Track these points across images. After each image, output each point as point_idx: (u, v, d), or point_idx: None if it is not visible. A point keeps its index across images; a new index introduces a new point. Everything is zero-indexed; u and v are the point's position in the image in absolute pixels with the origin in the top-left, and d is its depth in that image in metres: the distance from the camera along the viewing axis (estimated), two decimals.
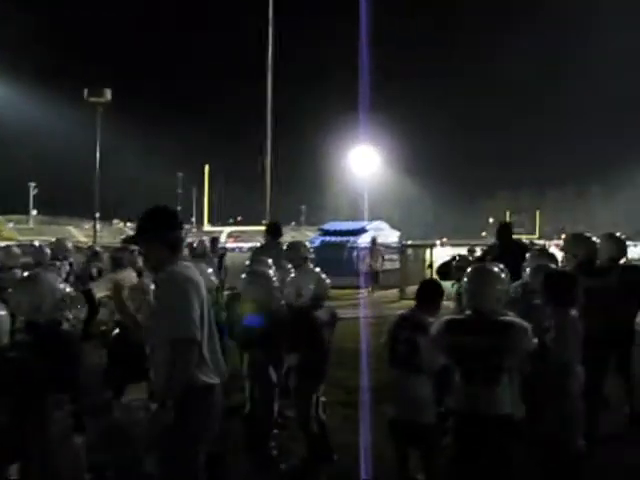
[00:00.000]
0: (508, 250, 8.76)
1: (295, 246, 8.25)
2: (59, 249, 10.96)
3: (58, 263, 10.18)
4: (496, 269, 4.93)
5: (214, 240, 18.44)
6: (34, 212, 62.69)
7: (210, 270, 7.06)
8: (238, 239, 31.30)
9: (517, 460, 4.64)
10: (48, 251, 10.38)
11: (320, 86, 70.44)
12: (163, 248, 4.21)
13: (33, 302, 4.41)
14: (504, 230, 9.72)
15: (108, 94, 41.84)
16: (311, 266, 7.23)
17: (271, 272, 6.74)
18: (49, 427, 4.15)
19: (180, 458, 4.07)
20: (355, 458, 5.74)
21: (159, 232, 4.25)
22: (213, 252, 16.08)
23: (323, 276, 6.48)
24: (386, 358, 5.51)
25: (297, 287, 6.36)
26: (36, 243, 15.73)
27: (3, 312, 4.00)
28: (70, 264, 10.76)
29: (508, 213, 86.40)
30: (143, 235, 4.34)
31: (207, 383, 4.11)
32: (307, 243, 10.00)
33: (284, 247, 8.46)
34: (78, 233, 44.95)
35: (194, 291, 4.11)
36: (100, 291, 7.39)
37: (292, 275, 6.78)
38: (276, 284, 6.50)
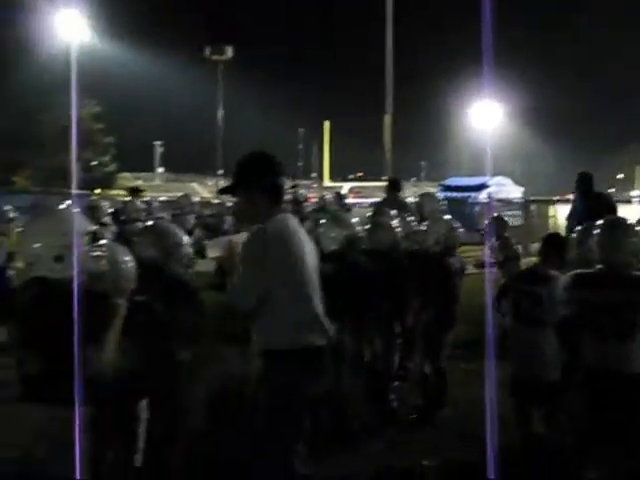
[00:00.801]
0: (591, 203, 8.23)
1: (428, 195, 8.33)
2: (185, 204, 11.27)
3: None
4: (630, 221, 4.70)
5: (340, 195, 18.66)
6: (160, 170, 64.64)
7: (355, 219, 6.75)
8: (359, 195, 31.35)
9: None
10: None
11: (442, 40, 69.04)
12: (262, 198, 3.84)
13: (160, 250, 4.49)
14: (584, 182, 9.04)
15: (229, 51, 42.34)
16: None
17: (394, 223, 6.70)
18: (176, 369, 4.23)
19: (286, 420, 3.90)
20: (475, 414, 5.65)
21: (258, 180, 3.85)
22: (341, 207, 16.15)
23: (455, 224, 6.45)
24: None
25: (431, 235, 6.32)
26: (163, 199, 16.35)
27: (129, 258, 4.08)
28: (196, 217, 11.07)
29: (638, 168, 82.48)
30: (240, 184, 3.93)
31: (313, 343, 3.90)
32: None
33: (414, 198, 8.48)
34: (202, 189, 45.96)
35: (288, 245, 3.82)
36: (214, 252, 7.51)
37: (424, 223, 6.75)
38: (400, 234, 6.47)
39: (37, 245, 3.75)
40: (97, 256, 3.89)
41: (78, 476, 3.50)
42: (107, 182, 56.96)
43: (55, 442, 3.64)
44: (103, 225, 8.31)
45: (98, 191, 44.33)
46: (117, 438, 4.05)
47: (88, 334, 3.62)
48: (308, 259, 3.95)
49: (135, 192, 11.60)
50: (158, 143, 65.03)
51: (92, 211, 9.49)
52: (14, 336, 3.73)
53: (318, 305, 3.98)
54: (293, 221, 4.00)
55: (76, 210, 4.17)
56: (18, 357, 3.72)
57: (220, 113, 40.69)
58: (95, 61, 45.60)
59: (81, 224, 3.89)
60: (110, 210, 9.94)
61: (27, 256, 3.76)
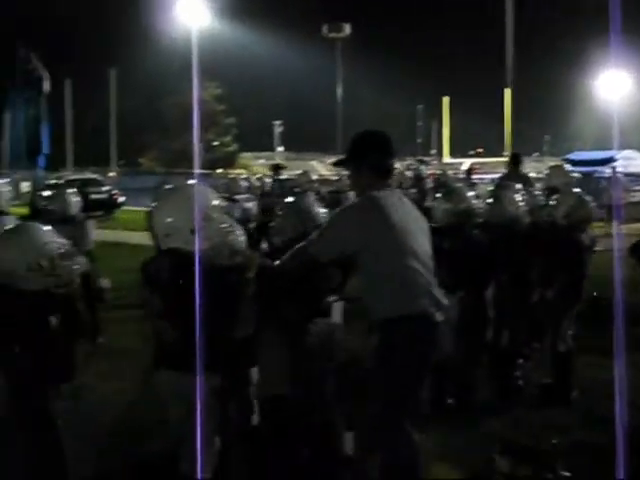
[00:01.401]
0: None
1: (558, 168, 8.14)
2: (304, 181, 11.48)
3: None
4: None
5: (469, 171, 19.00)
6: (280, 148, 65.56)
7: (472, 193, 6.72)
8: (479, 171, 30.73)
9: None
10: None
11: (565, 8, 66.45)
12: (370, 173, 4.08)
13: (295, 224, 4.65)
14: None
15: (347, 29, 42.35)
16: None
17: (518, 196, 6.56)
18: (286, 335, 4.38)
19: (399, 388, 3.99)
20: (603, 394, 5.48)
21: (367, 156, 4.10)
22: (467, 183, 16.12)
23: (587, 198, 6.25)
24: None
25: (560, 208, 6.16)
26: (283, 177, 16.87)
27: (240, 231, 4.25)
28: (316, 194, 11.22)
29: None
30: (351, 159, 4.20)
31: (422, 311, 3.99)
32: None
33: (537, 174, 8.30)
34: (321, 167, 46.35)
35: (389, 215, 3.97)
36: None
37: (553, 197, 6.59)
38: (523, 208, 6.34)
39: (171, 219, 3.87)
40: (230, 231, 4.01)
41: (200, 438, 3.63)
42: (228, 162, 58.23)
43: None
44: (234, 201, 8.63)
45: (220, 171, 45.43)
46: (237, 401, 4.22)
47: (220, 306, 3.75)
48: (413, 230, 4.08)
49: (277, 169, 12.71)
50: (277, 122, 65.89)
51: (228, 187, 10.05)
52: (151, 305, 3.88)
53: (428, 276, 4.07)
54: (398, 194, 4.24)
55: (208, 186, 4.34)
56: (156, 326, 3.87)
57: (339, 91, 40.79)
58: (216, 44, 46.59)
59: (214, 200, 4.01)
60: (244, 185, 10.69)
61: (164, 228, 3.88)
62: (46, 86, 32.94)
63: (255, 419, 4.39)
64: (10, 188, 8.25)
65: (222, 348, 3.80)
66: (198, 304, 3.54)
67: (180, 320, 3.69)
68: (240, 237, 4.23)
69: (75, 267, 3.77)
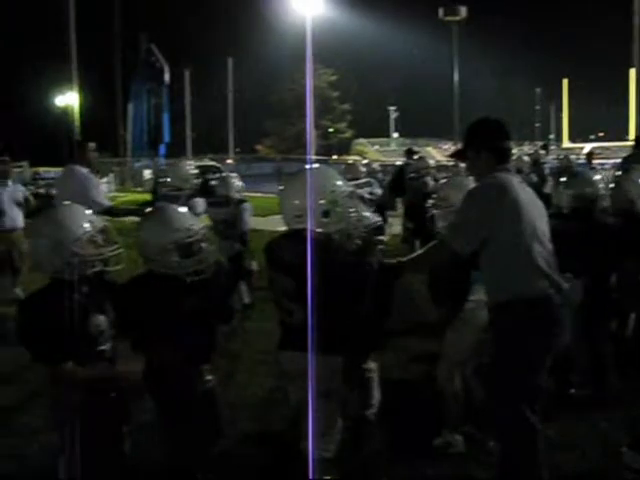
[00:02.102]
0: None
1: None
2: (420, 167, 11.35)
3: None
4: None
5: (589, 155, 18.82)
6: (395, 135, 65.37)
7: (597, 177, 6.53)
8: (599, 156, 29.53)
9: None
10: None
11: None
12: (490, 157, 4.09)
13: None
14: None
15: (463, 12, 41.69)
16: None
17: None
18: None
19: (518, 374, 3.93)
20: None
21: (485, 142, 4.12)
22: (589, 167, 15.77)
23: None
24: None
25: None
26: (398, 163, 16.94)
27: (366, 215, 4.27)
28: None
29: None
30: (469, 146, 4.22)
31: (542, 294, 3.93)
32: None
33: None
34: (436, 153, 45.94)
35: (509, 198, 3.94)
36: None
37: None
38: None
39: (299, 201, 3.91)
40: (355, 214, 4.01)
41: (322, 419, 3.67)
42: (343, 148, 58.49)
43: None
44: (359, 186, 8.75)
45: (335, 157, 45.69)
46: (359, 384, 4.23)
47: (344, 289, 3.77)
48: (536, 213, 4.07)
49: (411, 153, 13.23)
50: (392, 108, 65.65)
51: (349, 172, 10.20)
52: (276, 286, 3.94)
53: (549, 259, 4.03)
54: (516, 178, 4.21)
55: (332, 169, 4.37)
56: (287, 308, 3.92)
57: (455, 76, 40.18)
58: (331, 30, 46.79)
59: (340, 183, 4.02)
60: (364, 170, 10.92)
61: (293, 209, 3.93)
62: (167, 77, 33.97)
63: (376, 403, 4.40)
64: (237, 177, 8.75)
65: (345, 330, 3.83)
66: (311, 285, 3.57)
67: (305, 301, 3.73)
68: (366, 221, 4.23)
69: (212, 249, 3.83)
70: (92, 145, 7.46)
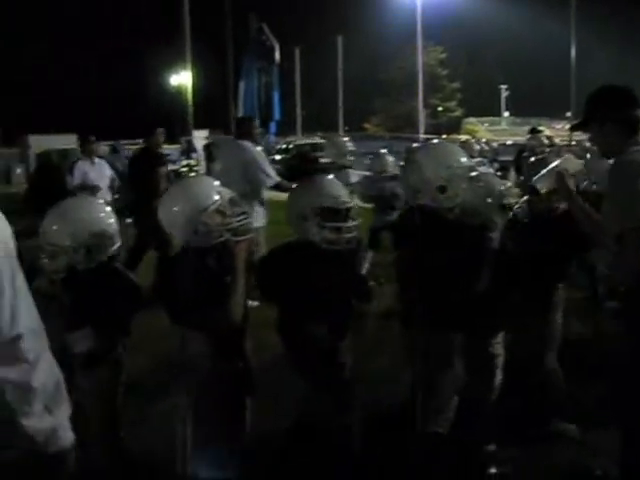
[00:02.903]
0: None
1: None
2: (535, 146, 11.20)
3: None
4: None
5: None
6: (506, 114, 63.85)
7: None
8: None
9: None
10: None
11: None
12: (616, 130, 3.70)
13: None
14: None
15: None
16: None
17: None
18: None
19: None
20: None
21: (611, 112, 3.71)
22: None
23: None
24: None
25: None
26: (508, 142, 16.71)
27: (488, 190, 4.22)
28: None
29: None
30: (592, 117, 3.81)
31: None
32: None
33: None
34: (549, 133, 44.63)
35: None
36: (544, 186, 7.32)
37: None
38: None
39: (419, 176, 3.92)
40: (477, 189, 3.98)
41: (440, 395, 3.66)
42: (453, 127, 57.61)
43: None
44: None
45: (444, 136, 45.06)
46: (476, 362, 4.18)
47: (463, 265, 3.76)
48: None
49: (535, 132, 13.26)
50: (503, 87, 64.14)
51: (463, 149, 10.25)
52: (400, 262, 3.97)
53: None
54: None
55: (452, 145, 4.36)
56: (403, 283, 3.96)
57: (573, 51, 38.82)
58: (440, 7, 46.10)
59: (462, 158, 3.99)
60: (477, 148, 11.01)
61: (413, 185, 3.94)
62: (277, 56, 34.25)
63: (496, 387, 4.35)
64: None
65: (464, 307, 3.81)
66: (417, 260, 3.55)
67: (428, 277, 3.74)
68: (485, 196, 4.14)
69: (357, 223, 3.83)
70: (255, 122, 8.19)
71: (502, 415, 4.43)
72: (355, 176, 8.04)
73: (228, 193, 3.73)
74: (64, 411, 2.19)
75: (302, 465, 3.93)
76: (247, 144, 7.95)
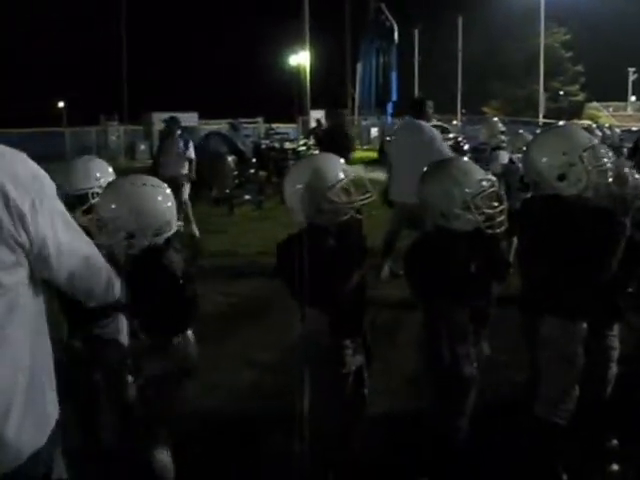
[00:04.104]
0: None
1: None
2: None
3: None
4: None
5: None
6: (632, 98, 61.45)
7: None
8: None
9: None
10: None
11: None
12: None
13: None
14: None
15: None
16: None
17: None
18: None
19: None
20: None
21: None
22: None
23: None
24: None
25: None
26: (634, 129, 16.02)
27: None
28: None
29: None
30: None
31: None
32: None
33: None
34: None
35: None
36: None
37: None
38: None
39: (540, 161, 3.83)
40: (602, 172, 3.86)
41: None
42: (575, 112, 55.85)
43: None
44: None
45: (564, 121, 43.71)
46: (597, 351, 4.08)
47: (589, 252, 3.66)
48: None
49: None
50: (631, 70, 61.64)
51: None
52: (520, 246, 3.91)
53: None
54: None
55: (570, 127, 4.23)
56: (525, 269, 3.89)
57: None
58: None
59: (588, 142, 3.86)
60: (599, 134, 10.81)
61: (532, 176, 3.88)
62: (396, 36, 34.04)
63: (612, 380, 4.23)
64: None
65: (590, 295, 3.72)
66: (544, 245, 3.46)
67: (552, 264, 3.67)
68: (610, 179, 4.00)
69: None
70: (430, 102, 8.34)
71: (624, 411, 4.32)
72: (506, 157, 7.99)
73: (352, 171, 3.73)
74: None
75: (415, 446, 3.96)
76: (424, 124, 8.21)
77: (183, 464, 3.65)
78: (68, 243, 2.21)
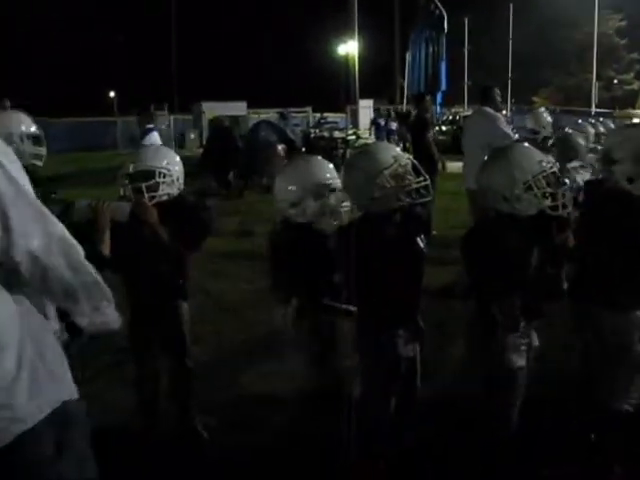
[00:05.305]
0: None
1: None
2: None
3: None
4: None
5: None
6: None
7: None
8: None
9: None
10: None
11: None
12: None
13: None
14: None
15: None
16: None
17: None
18: None
19: None
20: None
21: None
22: None
23: None
24: None
25: None
26: None
27: None
28: None
29: None
30: None
31: None
32: None
33: None
34: None
35: None
36: None
37: None
38: None
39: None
40: None
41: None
42: (629, 101, 54.77)
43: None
44: None
45: (617, 111, 42.98)
46: None
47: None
48: None
49: None
50: None
51: None
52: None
53: None
54: None
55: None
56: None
57: None
58: None
59: None
60: None
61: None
62: (446, 25, 33.76)
63: None
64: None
65: None
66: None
67: (610, 250, 3.65)
68: None
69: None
70: (497, 90, 8.80)
71: None
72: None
73: (404, 156, 3.72)
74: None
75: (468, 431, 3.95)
76: (489, 110, 8.61)
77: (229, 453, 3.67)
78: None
